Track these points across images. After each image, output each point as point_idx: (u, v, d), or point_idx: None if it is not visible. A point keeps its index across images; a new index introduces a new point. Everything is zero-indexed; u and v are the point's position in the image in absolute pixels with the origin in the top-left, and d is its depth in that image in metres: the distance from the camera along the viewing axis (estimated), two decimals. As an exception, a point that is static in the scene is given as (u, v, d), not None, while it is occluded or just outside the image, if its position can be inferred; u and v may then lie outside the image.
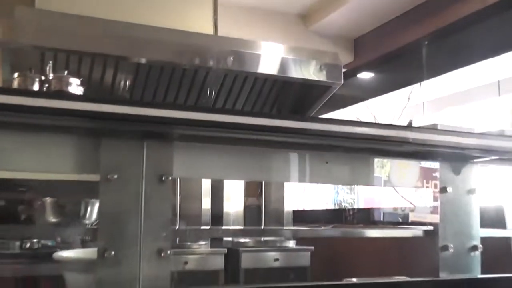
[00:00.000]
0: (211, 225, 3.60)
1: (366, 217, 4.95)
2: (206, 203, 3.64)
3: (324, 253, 3.83)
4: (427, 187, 2.11)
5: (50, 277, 1.84)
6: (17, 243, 3.09)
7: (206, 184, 3.67)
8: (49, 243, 2.87)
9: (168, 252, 1.53)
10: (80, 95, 1.72)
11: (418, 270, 1.98)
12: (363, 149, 1.89)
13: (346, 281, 1.83)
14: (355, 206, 5.19)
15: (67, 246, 2.44)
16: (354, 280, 1.83)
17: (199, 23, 3.24)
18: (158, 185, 1.54)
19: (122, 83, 3.04)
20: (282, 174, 1.94)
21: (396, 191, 3.99)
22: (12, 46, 2.70)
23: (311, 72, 3.27)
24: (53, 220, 1.73)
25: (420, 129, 1.86)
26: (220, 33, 3.29)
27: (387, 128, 1.77)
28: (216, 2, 3.33)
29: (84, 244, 2.22)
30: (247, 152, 1.79)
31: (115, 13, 2.96)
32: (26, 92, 1.52)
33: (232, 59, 2.97)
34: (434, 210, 3.95)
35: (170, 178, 1.55)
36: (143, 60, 2.90)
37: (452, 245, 1.94)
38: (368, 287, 1.83)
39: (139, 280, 1.50)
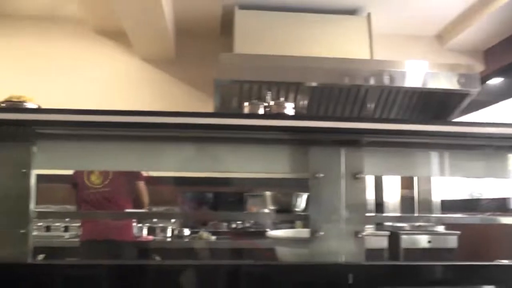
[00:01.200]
0: (375, 212, 3.59)
1: (501, 205, 4.56)
2: (370, 194, 3.64)
3: (469, 237, 3.62)
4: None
5: (267, 249, 2.00)
6: (240, 224, 3.37)
7: (370, 179, 3.66)
8: (267, 225, 3.09)
9: (363, 233, 1.58)
10: (293, 115, 1.85)
11: None
12: (503, 146, 1.74)
13: (497, 262, 1.69)
14: (485, 196, 4.82)
15: (281, 227, 2.62)
16: (506, 261, 1.68)
17: (359, 50, 3.26)
18: (353, 181, 1.58)
19: (301, 102, 3.16)
20: (435, 170, 1.83)
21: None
22: (220, 83, 2.94)
23: (450, 82, 3.13)
24: (272, 208, 1.86)
25: None
26: (375, 57, 3.28)
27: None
28: (371, 33, 3.33)
29: (293, 226, 2.37)
30: (413, 153, 1.75)
31: (293, 49, 3.09)
32: (257, 115, 1.68)
33: (387, 77, 2.95)
34: None
35: (363, 175, 1.60)
36: (315, 84, 2.99)
37: None
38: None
39: (342, 255, 1.55)
